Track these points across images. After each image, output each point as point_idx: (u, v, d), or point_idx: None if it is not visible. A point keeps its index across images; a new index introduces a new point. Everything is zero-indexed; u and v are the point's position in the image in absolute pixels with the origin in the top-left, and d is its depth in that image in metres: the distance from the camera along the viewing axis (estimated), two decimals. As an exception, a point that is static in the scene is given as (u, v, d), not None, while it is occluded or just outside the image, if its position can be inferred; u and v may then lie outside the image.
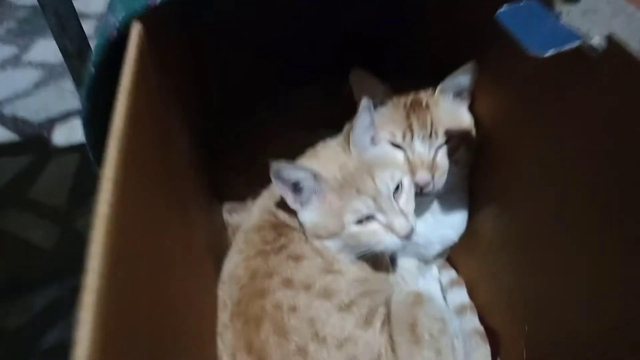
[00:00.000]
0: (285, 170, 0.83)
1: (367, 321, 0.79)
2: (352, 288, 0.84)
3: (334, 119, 1.00)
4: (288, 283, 0.83)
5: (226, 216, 1.19)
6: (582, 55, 0.52)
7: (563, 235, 0.72)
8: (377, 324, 0.80)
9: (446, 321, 0.84)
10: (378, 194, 0.84)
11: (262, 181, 0.99)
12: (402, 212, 0.85)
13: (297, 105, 1.30)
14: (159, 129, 0.62)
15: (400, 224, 0.83)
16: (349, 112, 0.93)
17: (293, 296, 0.81)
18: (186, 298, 0.72)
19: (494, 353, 0.93)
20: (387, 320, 0.81)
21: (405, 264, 1.06)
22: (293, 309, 0.80)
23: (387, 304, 0.84)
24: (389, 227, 0.84)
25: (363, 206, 0.84)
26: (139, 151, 0.47)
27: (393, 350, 0.78)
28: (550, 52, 0.51)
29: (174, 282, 0.62)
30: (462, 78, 0.95)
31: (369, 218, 0.85)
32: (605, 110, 0.59)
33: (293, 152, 0.99)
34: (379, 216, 0.85)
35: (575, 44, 0.51)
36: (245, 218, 1.08)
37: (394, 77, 1.00)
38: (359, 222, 0.85)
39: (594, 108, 0.61)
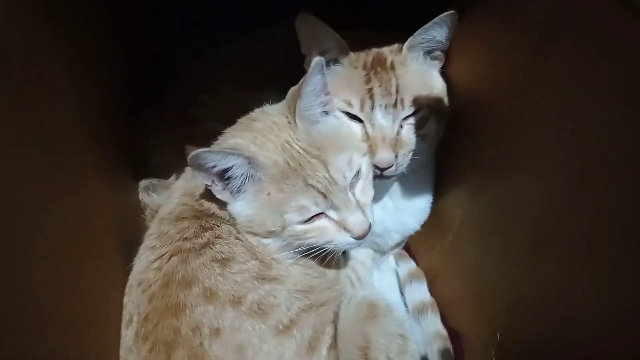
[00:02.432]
0: (208, 158, 0.62)
1: (311, 347, 0.63)
2: (293, 302, 0.66)
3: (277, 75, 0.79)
4: (211, 296, 0.64)
5: (142, 195, 0.96)
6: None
7: (560, 226, 0.56)
8: (323, 350, 0.64)
9: (407, 336, 0.69)
10: (331, 187, 0.65)
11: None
12: (358, 206, 0.67)
13: (234, 56, 1.06)
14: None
15: (356, 221, 0.66)
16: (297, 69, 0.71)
17: (217, 315, 0.62)
18: (61, 302, 0.55)
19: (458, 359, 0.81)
20: (335, 342, 0.65)
21: (359, 255, 0.90)
22: (216, 332, 0.61)
23: (336, 321, 0.68)
24: (342, 225, 0.66)
25: (311, 203, 0.65)
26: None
27: None
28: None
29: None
30: (437, 31, 0.75)
31: (318, 214, 0.67)
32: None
33: (227, 115, 0.77)
34: (331, 213, 0.67)
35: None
36: (165, 200, 0.86)
37: (351, 27, 0.79)
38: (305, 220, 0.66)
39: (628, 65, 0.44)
